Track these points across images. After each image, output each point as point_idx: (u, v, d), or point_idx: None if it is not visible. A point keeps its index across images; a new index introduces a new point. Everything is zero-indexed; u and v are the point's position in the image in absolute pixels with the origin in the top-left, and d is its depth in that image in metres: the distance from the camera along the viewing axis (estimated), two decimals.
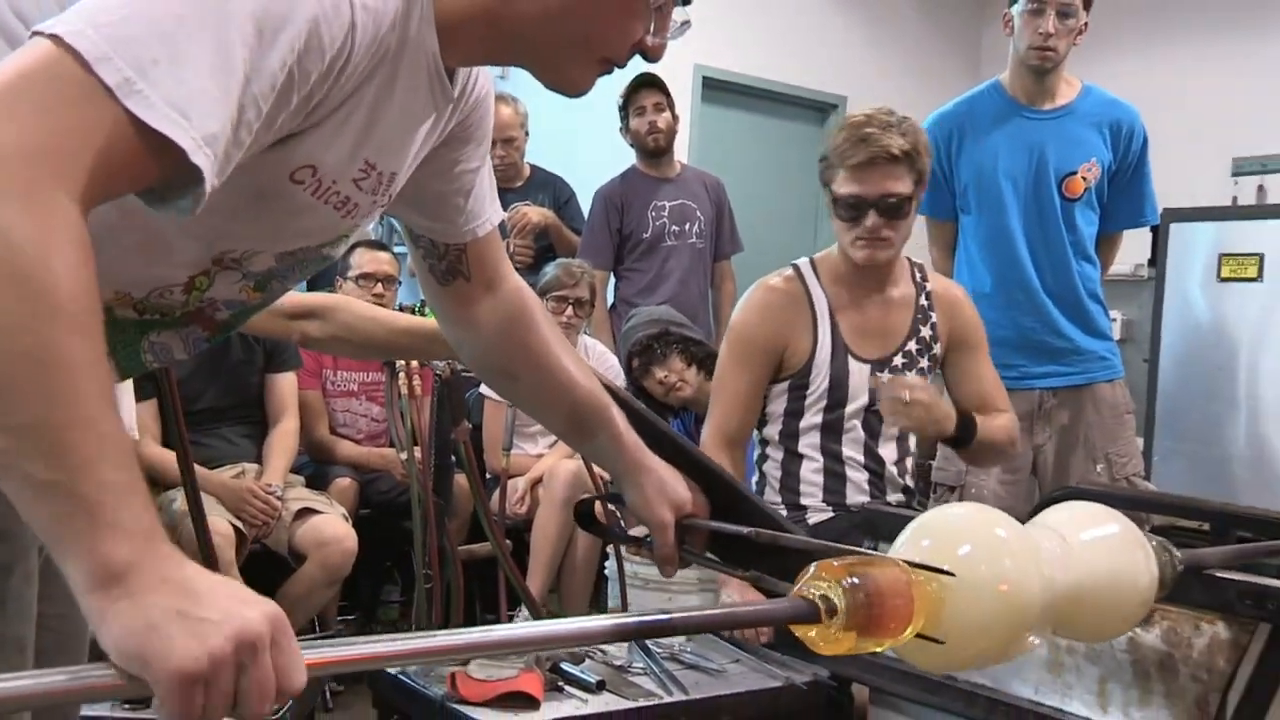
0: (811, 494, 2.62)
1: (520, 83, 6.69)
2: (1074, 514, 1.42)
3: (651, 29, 1.19)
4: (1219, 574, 1.82)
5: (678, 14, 1.22)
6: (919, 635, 1.13)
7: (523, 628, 1.11)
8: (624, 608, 2.71)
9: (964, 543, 1.20)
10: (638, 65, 4.20)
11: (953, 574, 1.13)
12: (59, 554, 0.85)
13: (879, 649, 1.14)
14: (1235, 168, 5.89)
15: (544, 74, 1.22)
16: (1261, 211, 5.54)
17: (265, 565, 3.58)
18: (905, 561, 1.14)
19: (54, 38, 0.88)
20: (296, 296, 2.09)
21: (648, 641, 2.27)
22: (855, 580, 1.09)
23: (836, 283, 2.64)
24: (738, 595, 2.34)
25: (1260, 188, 5.90)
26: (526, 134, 4.75)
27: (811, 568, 1.11)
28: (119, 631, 0.83)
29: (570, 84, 1.23)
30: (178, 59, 0.91)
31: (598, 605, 3.78)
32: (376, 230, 6.67)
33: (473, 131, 1.38)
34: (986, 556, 1.19)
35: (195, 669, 0.81)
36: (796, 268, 2.68)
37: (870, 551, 1.22)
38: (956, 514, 1.30)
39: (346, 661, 0.95)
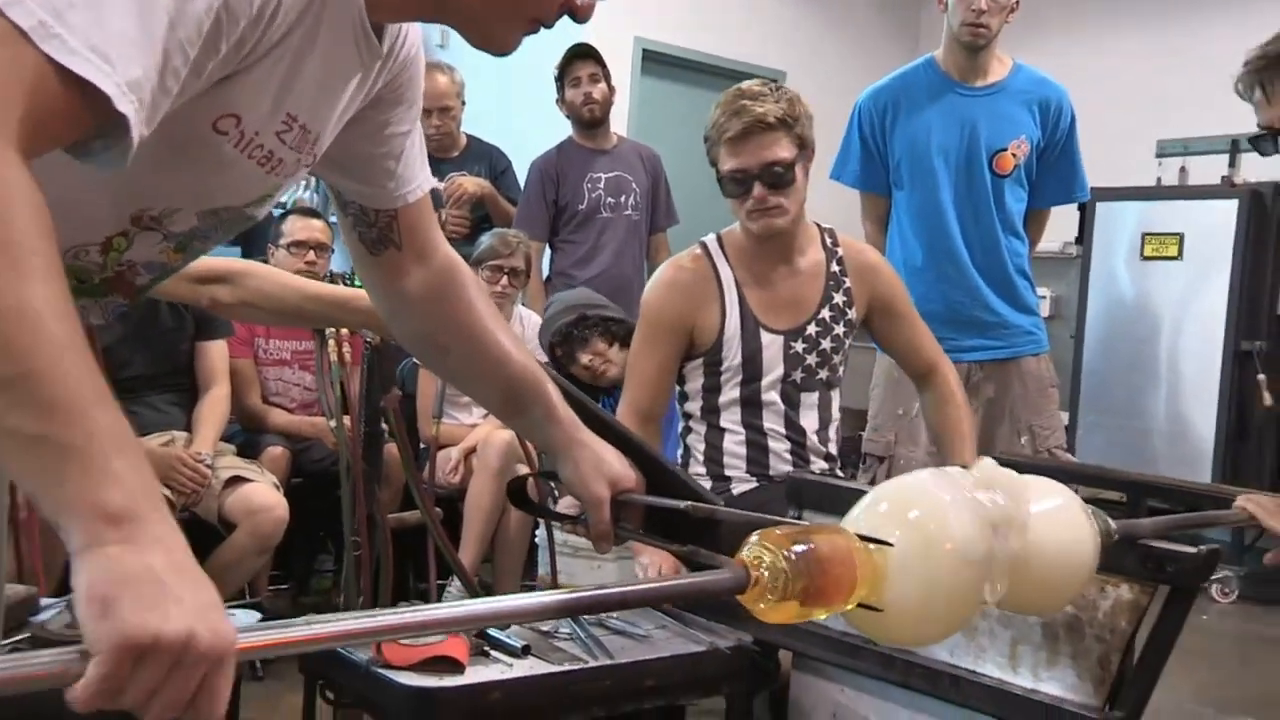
0: (735, 465, 2.64)
1: (457, 52, 6.66)
2: (1030, 483, 1.42)
3: None
4: (1123, 539, 1.88)
5: None
6: (861, 605, 1.13)
7: (461, 606, 1.09)
8: (553, 575, 2.73)
9: (917, 514, 1.20)
10: (575, 35, 4.16)
11: (891, 544, 1.14)
12: (52, 507, 0.82)
13: (823, 617, 1.14)
14: (1159, 149, 5.99)
15: (471, 33, 1.20)
16: (1183, 192, 5.68)
17: (195, 534, 3.53)
18: (850, 532, 1.15)
19: None
20: (206, 261, 2.08)
21: None
22: (798, 549, 1.09)
23: (742, 257, 2.65)
24: (650, 560, 2.35)
25: (1182, 169, 6.03)
26: (463, 103, 4.72)
27: (754, 536, 1.11)
28: (97, 573, 0.80)
29: (498, 43, 1.20)
30: (96, 1, 0.86)
31: (533, 575, 3.80)
32: (312, 198, 6.62)
33: (402, 93, 1.36)
34: (937, 523, 1.20)
35: (141, 642, 0.79)
36: (704, 245, 2.68)
37: (801, 522, 1.23)
38: (910, 483, 1.29)
39: (278, 645, 0.94)
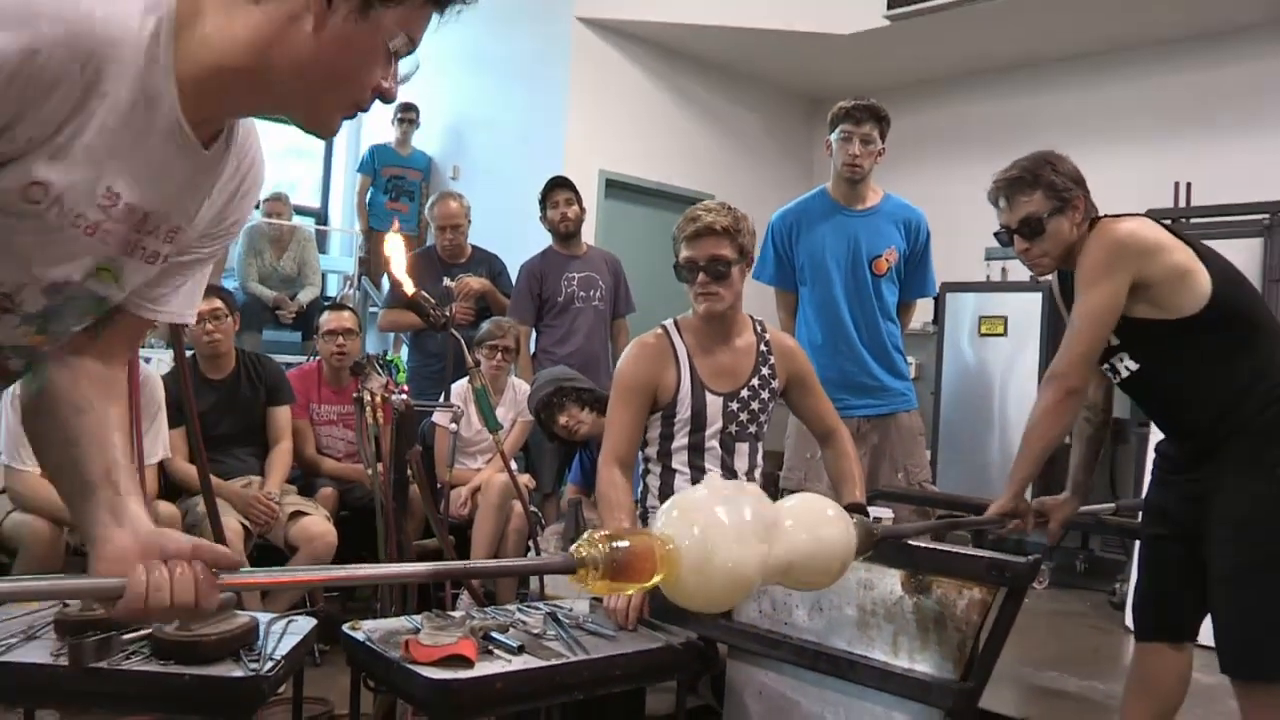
0: None
1: (466, 183, 6.69)
2: (801, 500, 1.52)
3: (387, 75, 1.06)
4: (973, 551, 1.93)
5: (406, 63, 1.08)
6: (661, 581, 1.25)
7: (368, 568, 1.32)
8: (541, 588, 2.69)
9: (701, 521, 1.30)
10: (554, 169, 4.16)
11: (679, 544, 1.25)
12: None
13: (629, 593, 1.26)
14: (987, 254, 6.12)
15: (303, 119, 1.07)
16: (1005, 287, 5.81)
17: (266, 555, 3.52)
18: (655, 533, 1.27)
19: None
20: None
21: (558, 614, 2.27)
22: (613, 545, 1.19)
23: (693, 335, 2.64)
24: (612, 598, 2.27)
25: (1004, 269, 6.18)
26: (469, 222, 4.74)
27: (585, 535, 1.21)
28: None
29: (325, 127, 1.08)
30: None
31: (526, 585, 3.75)
32: (354, 295, 6.58)
33: (219, 233, 1.17)
34: (718, 531, 1.29)
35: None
36: (664, 326, 2.68)
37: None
38: (701, 496, 1.38)
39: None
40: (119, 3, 0.93)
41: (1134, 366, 2.29)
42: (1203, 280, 2.18)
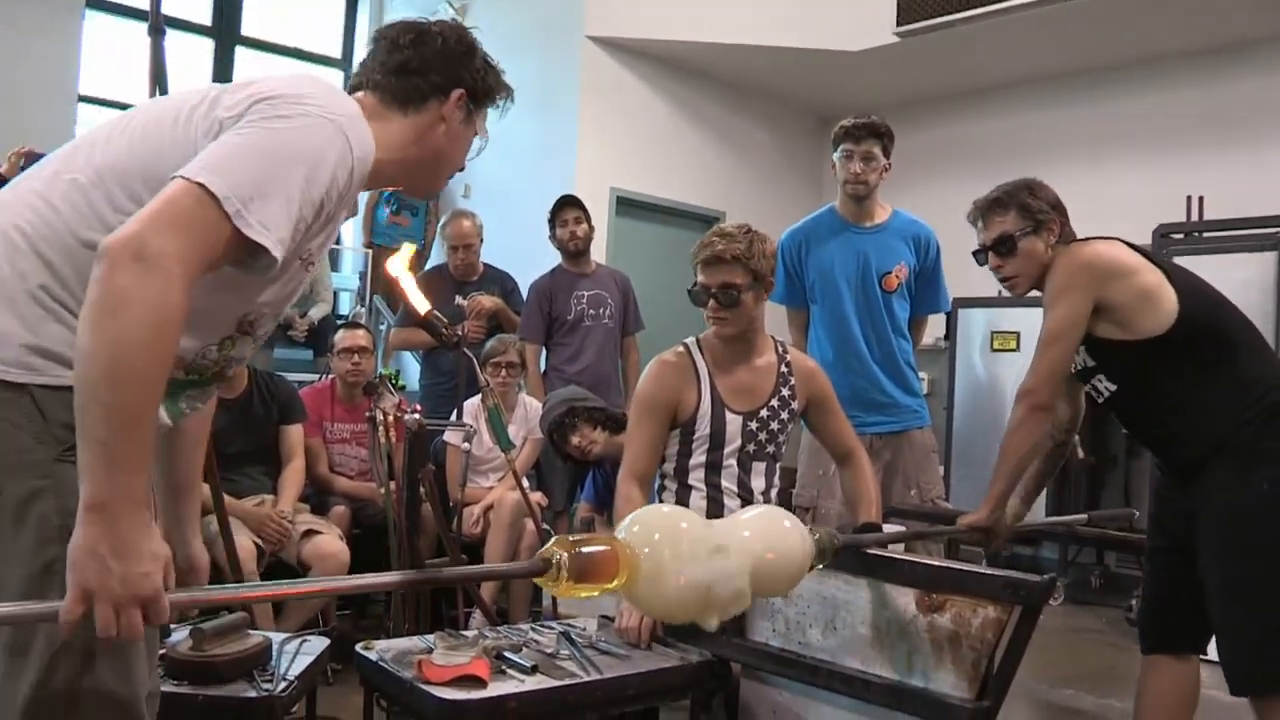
0: None
1: (478, 201, 6.72)
2: (760, 512, 1.60)
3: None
4: (988, 570, 1.92)
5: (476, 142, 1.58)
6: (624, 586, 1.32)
7: (348, 579, 1.45)
8: (555, 609, 2.69)
9: (659, 531, 1.38)
10: (566, 187, 4.20)
11: (638, 551, 1.31)
12: (84, 480, 1.08)
13: (593, 595, 1.32)
14: None
15: (419, 190, 1.59)
16: (1018, 301, 5.76)
17: (279, 574, 3.52)
18: (619, 539, 1.34)
19: (199, 184, 1.17)
20: None
21: (571, 633, 2.27)
22: (579, 550, 1.26)
23: (714, 353, 2.64)
24: (625, 618, 2.30)
25: None
26: (482, 240, 4.75)
27: (552, 540, 1.29)
28: (77, 541, 1.08)
29: (433, 192, 1.76)
30: (265, 196, 1.21)
31: (539, 604, 3.75)
32: (353, 308, 6.61)
33: None
34: (670, 540, 1.37)
35: (84, 594, 1.07)
36: (685, 345, 2.68)
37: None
38: (663, 510, 1.46)
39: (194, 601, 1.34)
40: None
41: (1112, 387, 2.35)
42: (1168, 301, 2.21)
